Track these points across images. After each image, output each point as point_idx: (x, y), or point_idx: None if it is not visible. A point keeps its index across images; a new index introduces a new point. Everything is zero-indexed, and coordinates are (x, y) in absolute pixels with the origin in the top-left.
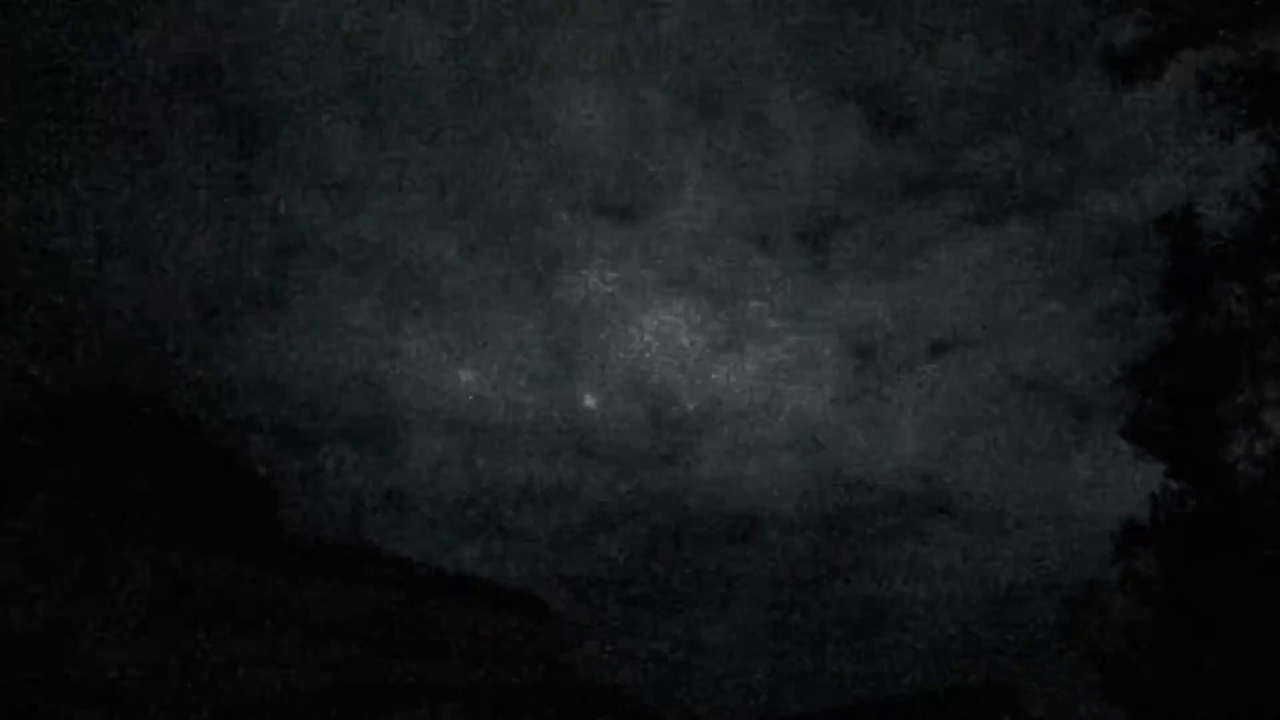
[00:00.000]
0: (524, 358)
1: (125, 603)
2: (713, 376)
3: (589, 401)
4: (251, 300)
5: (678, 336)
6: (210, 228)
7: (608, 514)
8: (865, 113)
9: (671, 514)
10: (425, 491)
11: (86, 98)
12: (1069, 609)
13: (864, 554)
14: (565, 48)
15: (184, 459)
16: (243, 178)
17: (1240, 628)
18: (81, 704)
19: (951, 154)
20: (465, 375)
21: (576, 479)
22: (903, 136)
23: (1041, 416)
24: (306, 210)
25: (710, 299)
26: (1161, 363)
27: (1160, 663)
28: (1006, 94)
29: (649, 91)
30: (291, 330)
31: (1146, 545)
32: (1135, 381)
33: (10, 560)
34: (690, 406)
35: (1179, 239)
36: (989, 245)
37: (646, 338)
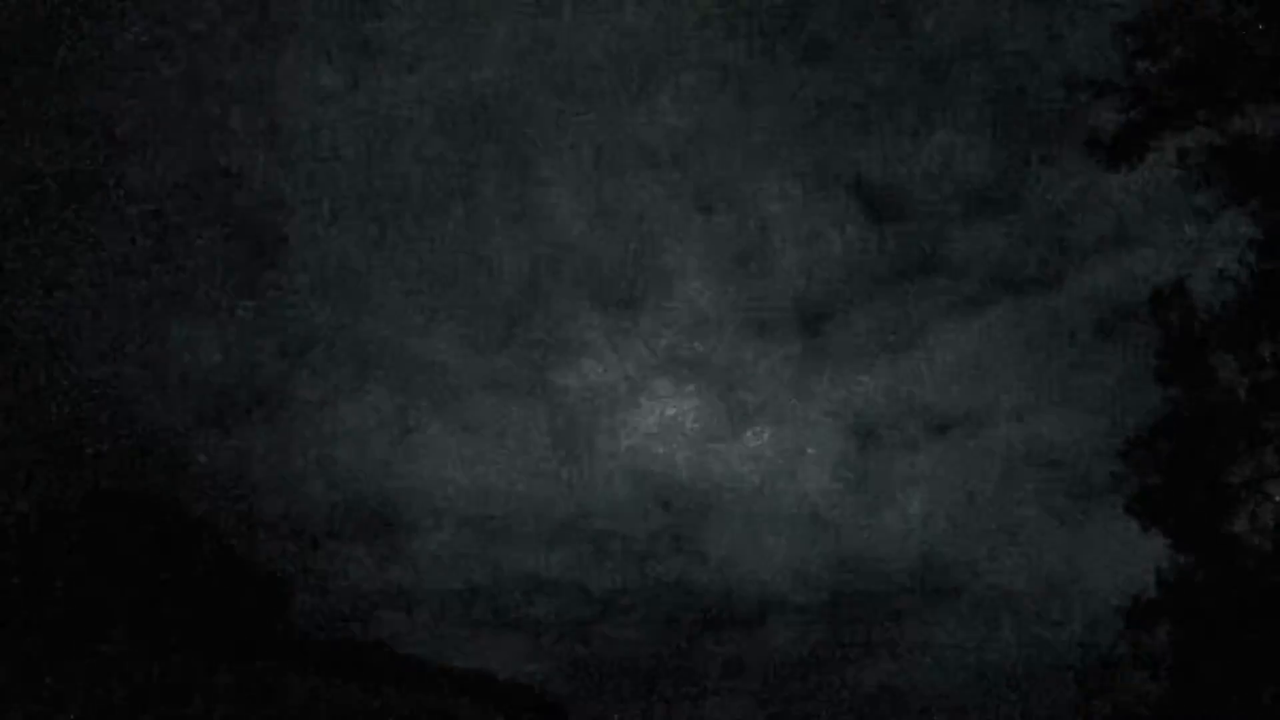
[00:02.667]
0: (528, 448)
1: (135, 707)
2: (716, 462)
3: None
4: (259, 401)
5: (680, 423)
6: (218, 330)
7: (616, 602)
8: (856, 200)
9: (679, 600)
10: (433, 586)
11: (95, 203)
12: (1082, 687)
13: (873, 637)
14: (560, 144)
15: (193, 559)
16: (250, 281)
17: (1254, 698)
18: None
19: (942, 238)
20: (471, 468)
21: (584, 568)
22: (893, 223)
23: (1044, 493)
24: (312, 312)
25: (711, 385)
26: (1161, 436)
27: None
28: (994, 179)
29: (644, 185)
30: (299, 429)
31: (1157, 620)
32: (1136, 456)
33: (16, 665)
34: (695, 492)
35: (1172, 315)
36: (984, 326)
37: (649, 425)
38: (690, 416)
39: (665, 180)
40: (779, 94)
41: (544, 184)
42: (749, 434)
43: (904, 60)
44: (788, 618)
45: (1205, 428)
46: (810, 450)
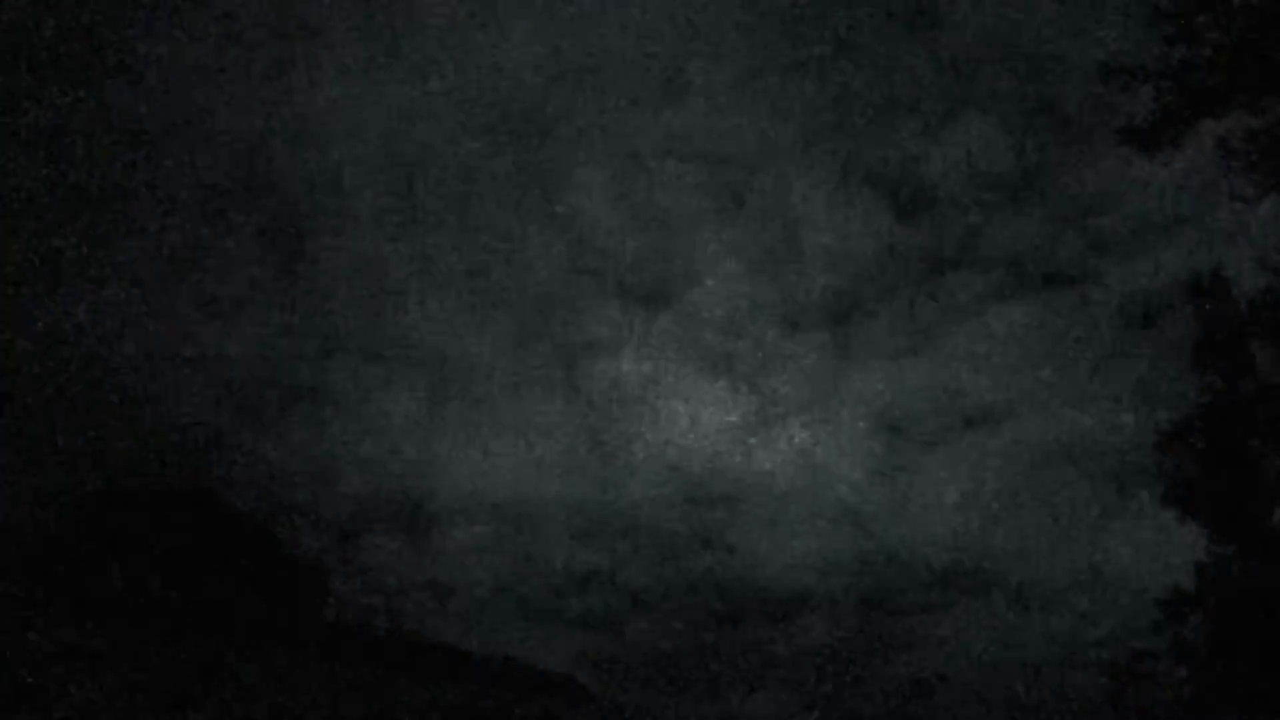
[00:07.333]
0: (560, 444)
1: (175, 695)
2: (747, 457)
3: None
4: (295, 397)
5: (711, 418)
6: (254, 328)
7: (646, 596)
8: (885, 195)
9: (710, 594)
10: (465, 578)
11: (134, 207)
12: (1116, 679)
13: (905, 631)
14: (591, 144)
15: (231, 551)
16: (286, 281)
17: None
18: None
19: (974, 231)
20: (502, 463)
21: (614, 562)
22: (924, 216)
23: (1079, 486)
24: (346, 309)
25: (741, 381)
26: (1199, 427)
27: None
28: (1026, 170)
29: (674, 183)
30: (334, 425)
31: (1194, 612)
32: (1173, 447)
33: (56, 651)
34: (726, 487)
35: (1209, 304)
36: (1016, 319)
37: (680, 421)
38: (721, 412)
39: (694, 177)
40: (808, 91)
41: (574, 182)
42: (779, 429)
43: (933, 54)
44: (818, 612)
45: (1243, 418)
46: (841, 444)
